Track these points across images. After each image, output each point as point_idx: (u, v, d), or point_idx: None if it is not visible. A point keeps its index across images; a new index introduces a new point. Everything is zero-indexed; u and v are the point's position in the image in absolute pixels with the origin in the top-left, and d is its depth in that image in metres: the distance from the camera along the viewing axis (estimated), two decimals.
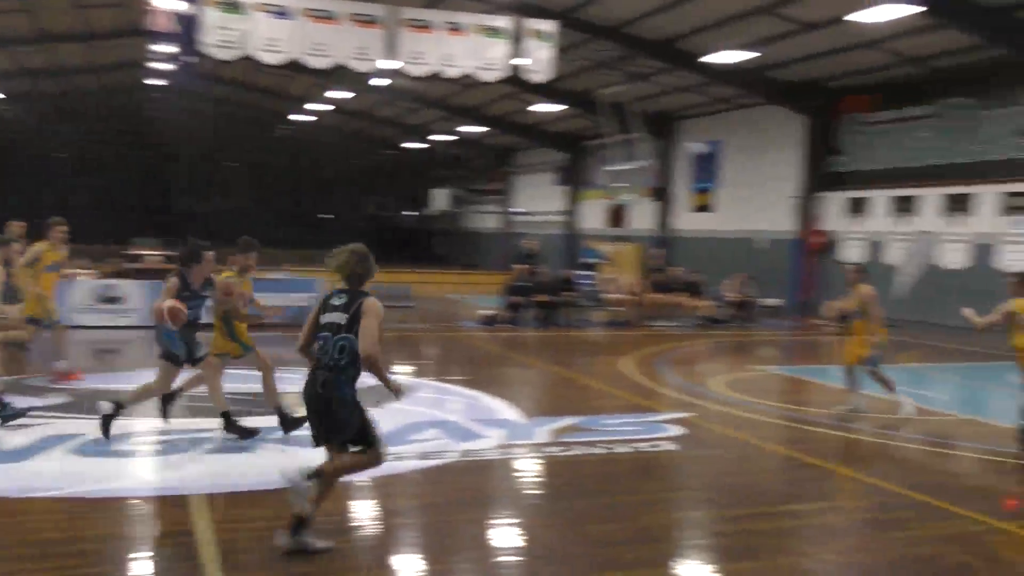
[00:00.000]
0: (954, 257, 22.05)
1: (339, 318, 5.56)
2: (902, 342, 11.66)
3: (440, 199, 48.09)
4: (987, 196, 21.51)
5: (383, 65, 19.50)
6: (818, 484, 7.62)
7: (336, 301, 5.63)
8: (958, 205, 22.26)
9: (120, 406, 7.95)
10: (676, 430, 9.28)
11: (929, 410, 10.84)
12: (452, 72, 19.45)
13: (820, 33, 21.25)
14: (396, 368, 13.41)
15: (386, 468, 7.35)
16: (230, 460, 7.62)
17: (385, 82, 30.78)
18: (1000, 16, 18.52)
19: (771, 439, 9.31)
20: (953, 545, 6.11)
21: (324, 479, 5.54)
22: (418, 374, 12.66)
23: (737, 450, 8.76)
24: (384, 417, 9.30)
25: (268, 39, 17.87)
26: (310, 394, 5.59)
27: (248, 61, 19.82)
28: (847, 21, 19.45)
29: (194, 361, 8.15)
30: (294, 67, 20.69)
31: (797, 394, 12.76)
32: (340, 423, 5.57)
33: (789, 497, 7.27)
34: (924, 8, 18.01)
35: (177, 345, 8.01)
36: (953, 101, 22.53)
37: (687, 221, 32.69)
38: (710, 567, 5.73)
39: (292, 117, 43.66)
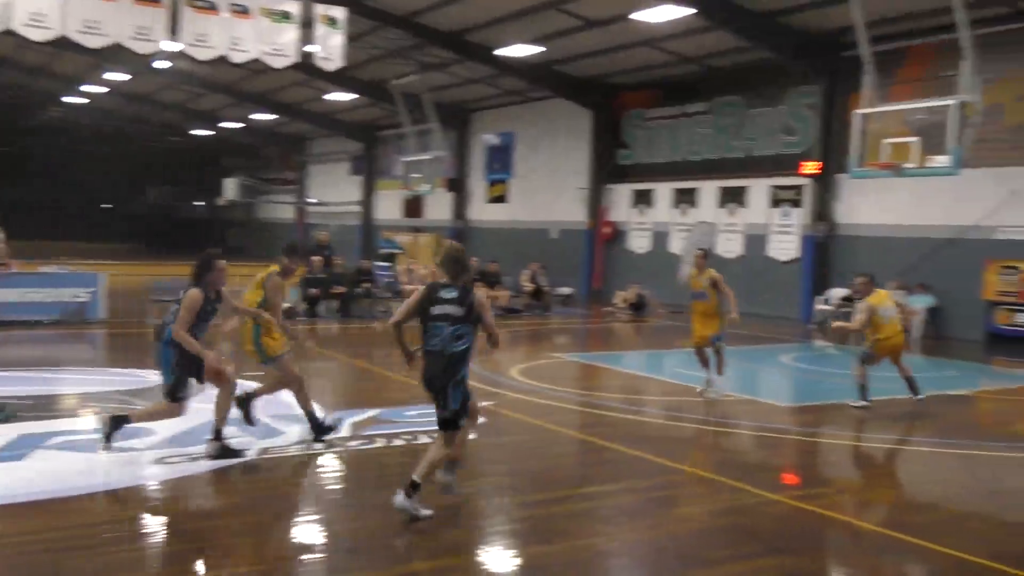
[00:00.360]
0: (730, 246, 23.58)
1: (454, 310, 6.12)
2: (687, 328, 12.34)
3: (232, 189, 46.42)
4: (758, 189, 23.14)
5: (165, 47, 18.54)
6: (612, 466, 7.95)
7: (447, 295, 6.19)
8: (733, 197, 23.82)
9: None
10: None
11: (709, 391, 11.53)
12: (239, 57, 18.71)
13: (604, 30, 22.10)
14: None
15: (180, 470, 7.10)
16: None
17: (167, 65, 29.33)
18: (763, 21, 19.94)
19: (567, 424, 9.63)
20: (733, 517, 6.55)
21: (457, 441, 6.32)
22: None
23: (535, 436, 9.00)
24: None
25: (32, 13, 16.46)
26: (434, 376, 6.16)
27: (11, 36, 18.27)
28: (628, 20, 20.38)
29: (173, 397, 7.33)
30: (66, 45, 19.29)
31: (591, 380, 13.25)
32: (458, 398, 6.15)
33: (585, 480, 7.55)
34: (696, 11, 19.10)
35: (168, 375, 7.29)
36: (725, 99, 24.08)
37: (483, 212, 33.16)
38: (511, 552, 5.86)
39: (65, 99, 40.70)
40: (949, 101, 14.50)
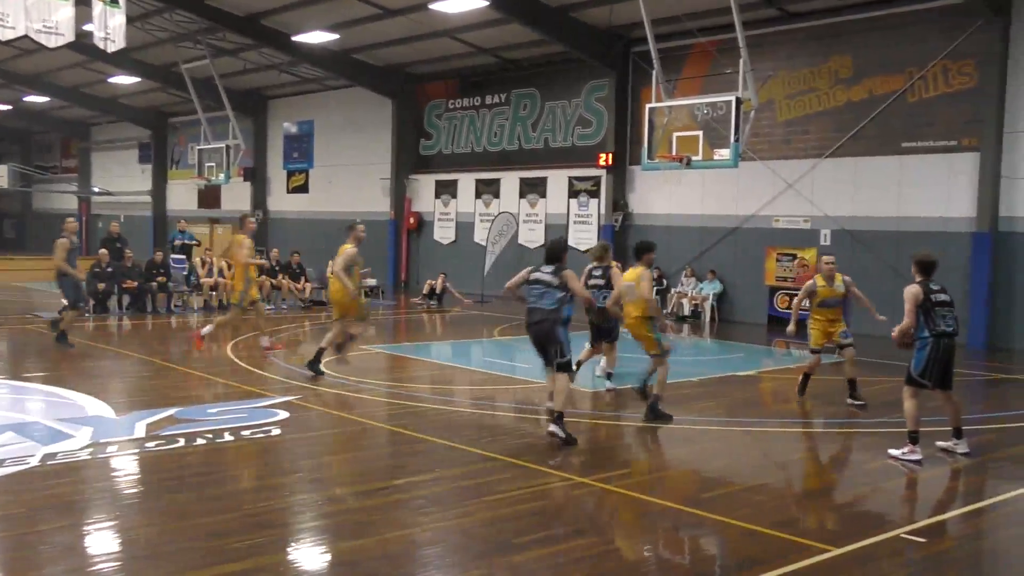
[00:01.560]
0: (532, 235, 24.12)
1: (600, 281, 10.65)
2: (493, 317, 12.52)
3: (3, 177, 42.88)
4: (557, 180, 23.78)
5: None
6: (422, 457, 7.96)
7: (597, 272, 10.78)
8: (533, 188, 24.37)
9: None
10: (283, 414, 9.20)
11: (516, 379, 11.78)
12: (7, 33, 17.19)
13: (401, 19, 22.02)
14: None
15: None
16: None
17: None
18: (556, 15, 20.48)
19: (377, 416, 9.56)
20: (541, 502, 6.72)
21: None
22: None
23: (344, 429, 8.89)
24: None
25: None
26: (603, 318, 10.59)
27: None
28: (425, 9, 20.40)
29: (570, 367, 8.64)
30: None
31: (399, 371, 13.20)
32: (611, 330, 11.00)
33: (396, 471, 7.53)
34: (488, 2, 19.34)
35: (567, 346, 8.51)
36: (522, 91, 24.58)
37: (283, 202, 32.38)
38: (323, 548, 5.77)
39: None
40: (728, 97, 15.37)
